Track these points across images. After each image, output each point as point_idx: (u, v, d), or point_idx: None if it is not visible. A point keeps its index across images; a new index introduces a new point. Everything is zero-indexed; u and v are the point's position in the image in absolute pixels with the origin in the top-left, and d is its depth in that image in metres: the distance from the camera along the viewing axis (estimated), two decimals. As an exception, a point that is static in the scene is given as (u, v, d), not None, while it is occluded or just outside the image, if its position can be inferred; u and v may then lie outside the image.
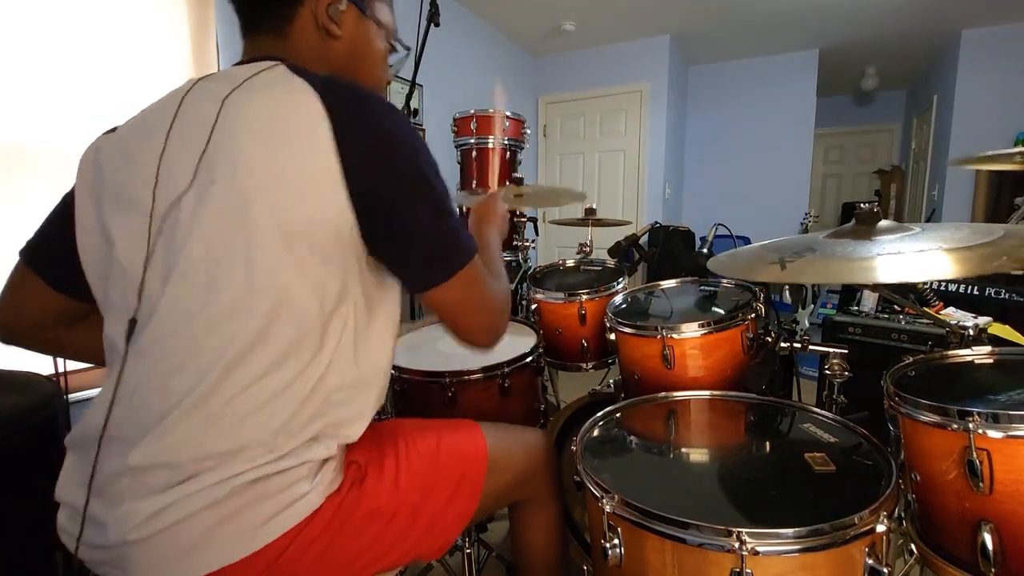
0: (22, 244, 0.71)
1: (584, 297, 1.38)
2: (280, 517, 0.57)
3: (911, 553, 0.78)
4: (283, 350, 0.57)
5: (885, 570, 0.59)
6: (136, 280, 0.58)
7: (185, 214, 0.56)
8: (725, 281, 1.30)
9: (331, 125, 0.56)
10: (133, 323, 0.58)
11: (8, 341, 0.74)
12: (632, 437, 0.89)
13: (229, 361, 0.55)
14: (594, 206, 2.03)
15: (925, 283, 1.23)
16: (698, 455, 0.83)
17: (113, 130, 0.67)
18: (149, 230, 0.58)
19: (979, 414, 0.62)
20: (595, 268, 1.66)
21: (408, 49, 0.80)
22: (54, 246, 0.68)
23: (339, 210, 0.57)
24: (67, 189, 0.69)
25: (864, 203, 0.89)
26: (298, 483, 0.59)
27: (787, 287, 1.68)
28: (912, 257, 0.73)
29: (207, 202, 0.56)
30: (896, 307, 1.84)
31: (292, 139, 0.56)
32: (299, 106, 0.57)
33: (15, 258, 0.71)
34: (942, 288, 1.77)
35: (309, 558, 0.60)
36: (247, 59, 0.66)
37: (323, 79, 0.60)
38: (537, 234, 2.56)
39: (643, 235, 1.80)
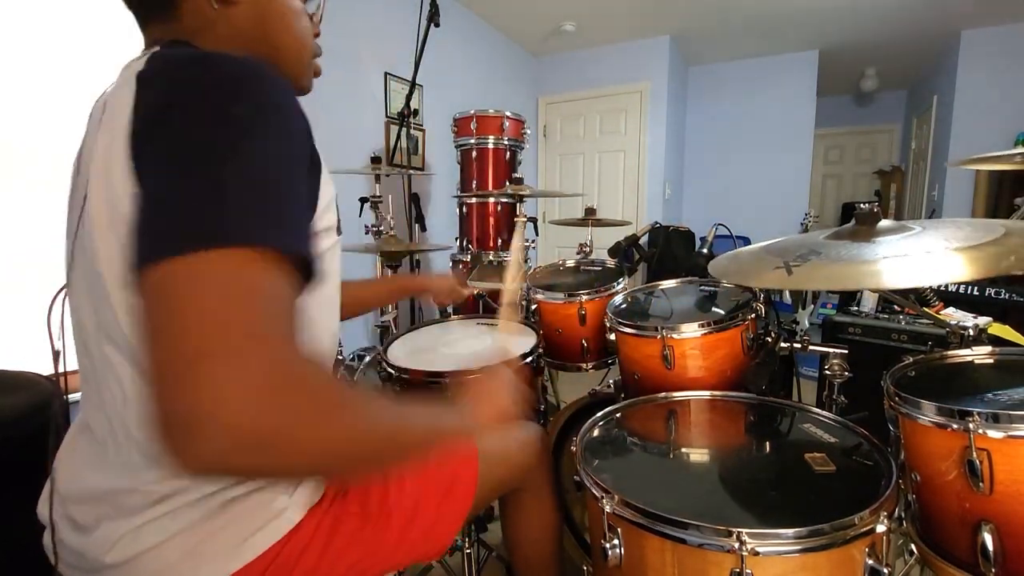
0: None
1: (584, 297, 1.38)
2: (259, 535, 0.56)
3: (911, 553, 0.78)
4: None
5: (885, 570, 0.59)
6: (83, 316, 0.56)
7: (79, 238, 0.53)
8: (726, 281, 1.30)
9: (135, 90, 0.47)
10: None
11: None
12: (632, 437, 0.89)
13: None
14: (594, 206, 2.03)
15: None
16: (698, 455, 0.83)
17: None
18: (70, 252, 0.56)
19: (979, 414, 0.62)
20: (595, 268, 1.66)
21: None
22: None
23: (125, 182, 0.46)
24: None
25: (864, 203, 0.89)
26: (275, 499, 0.57)
27: (787, 287, 1.68)
28: (919, 260, 0.73)
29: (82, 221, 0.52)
30: (896, 307, 1.84)
31: (111, 121, 0.49)
32: (125, 83, 0.50)
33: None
34: (942, 288, 1.77)
35: (298, 573, 0.59)
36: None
37: (165, 49, 0.53)
38: (537, 234, 2.56)
39: (643, 235, 1.80)
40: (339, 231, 0.65)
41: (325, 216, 0.59)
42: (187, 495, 0.53)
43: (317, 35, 0.68)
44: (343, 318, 0.78)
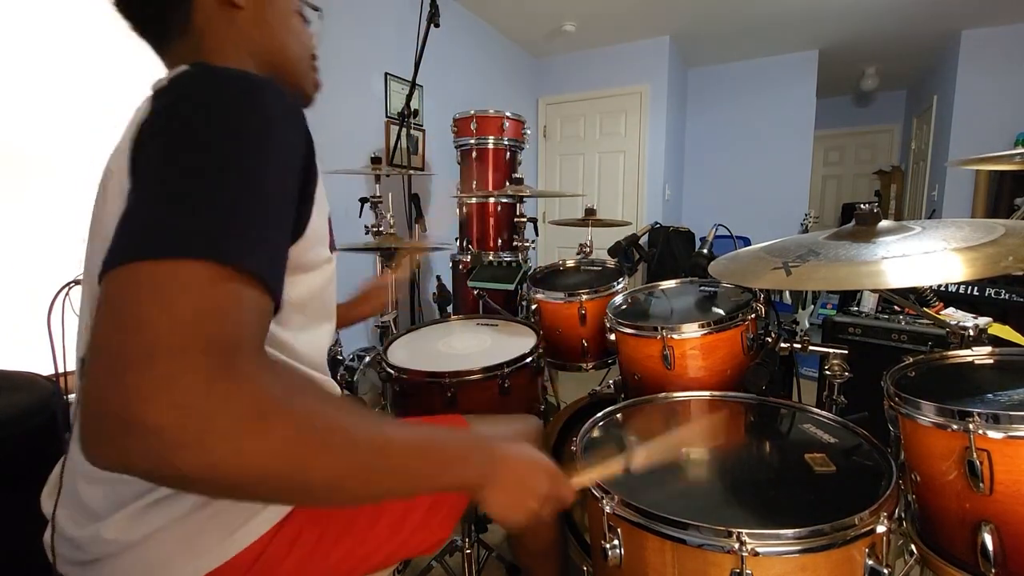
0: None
1: (584, 297, 1.38)
2: (249, 525, 0.56)
3: (911, 553, 0.78)
4: None
5: (885, 571, 0.59)
6: (85, 320, 0.59)
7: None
8: (725, 281, 1.30)
9: (150, 103, 0.49)
10: (83, 362, 0.58)
11: None
12: (632, 438, 0.89)
13: None
14: (594, 206, 2.03)
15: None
16: (698, 456, 0.83)
17: None
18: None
19: (979, 414, 0.62)
20: (595, 268, 1.66)
21: (318, 8, 0.72)
22: None
23: (125, 189, 0.47)
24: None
25: (864, 203, 0.89)
26: None
27: (787, 287, 1.68)
28: (918, 260, 0.73)
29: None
30: (896, 307, 1.84)
31: (127, 133, 0.51)
32: (146, 99, 0.52)
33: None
34: (942, 288, 1.77)
35: (289, 564, 0.59)
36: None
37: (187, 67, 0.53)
38: (537, 234, 2.56)
39: (643, 235, 1.80)
40: (332, 247, 0.64)
41: (316, 248, 0.58)
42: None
43: (315, 57, 0.72)
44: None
